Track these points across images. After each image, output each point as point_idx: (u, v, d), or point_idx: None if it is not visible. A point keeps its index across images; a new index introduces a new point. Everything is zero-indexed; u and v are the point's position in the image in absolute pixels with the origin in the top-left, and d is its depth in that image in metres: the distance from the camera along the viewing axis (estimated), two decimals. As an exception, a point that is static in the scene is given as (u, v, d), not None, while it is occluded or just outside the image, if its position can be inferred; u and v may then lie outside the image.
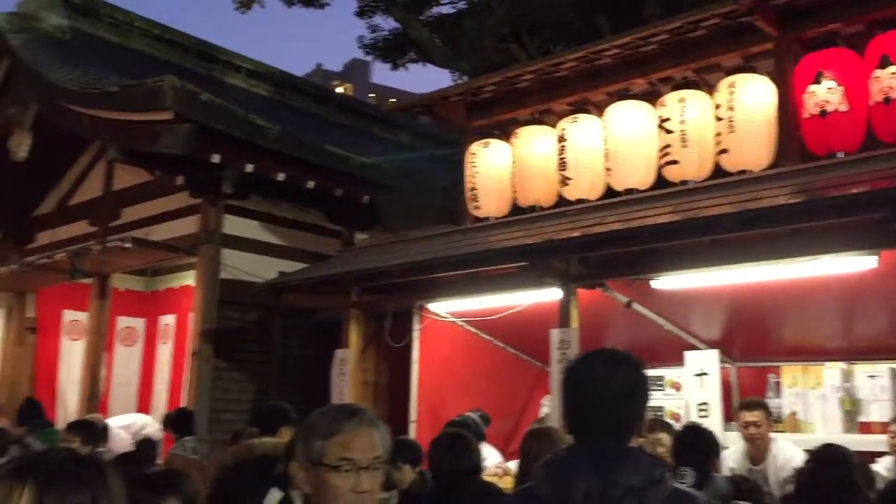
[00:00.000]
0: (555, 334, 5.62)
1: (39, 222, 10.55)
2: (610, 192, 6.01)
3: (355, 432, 1.85)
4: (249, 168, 7.75)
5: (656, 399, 6.36)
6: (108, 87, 7.68)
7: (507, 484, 6.19)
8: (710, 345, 6.34)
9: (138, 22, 10.28)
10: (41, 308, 9.78)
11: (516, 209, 6.57)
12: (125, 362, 9.66)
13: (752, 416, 5.04)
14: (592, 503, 1.79)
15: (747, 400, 5.38)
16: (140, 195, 9.17)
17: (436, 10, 11.88)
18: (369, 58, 13.46)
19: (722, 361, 6.21)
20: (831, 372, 5.96)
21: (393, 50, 12.37)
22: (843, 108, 4.90)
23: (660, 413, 6.17)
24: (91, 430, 5.63)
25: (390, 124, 12.53)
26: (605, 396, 1.91)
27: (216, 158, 7.49)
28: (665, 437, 4.72)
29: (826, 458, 3.62)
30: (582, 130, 6.12)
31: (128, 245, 7.83)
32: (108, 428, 6.70)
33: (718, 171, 5.51)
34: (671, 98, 5.68)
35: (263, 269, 8.35)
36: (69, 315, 9.57)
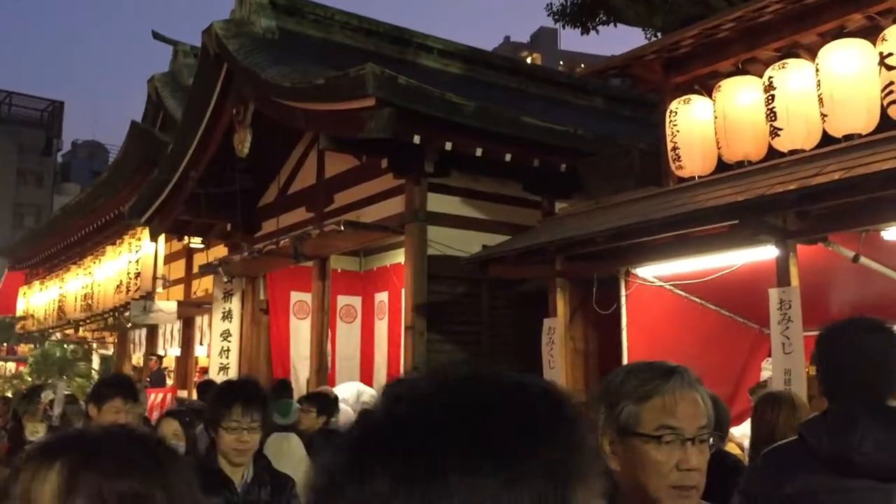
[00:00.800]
0: (774, 294, 5.35)
1: (263, 212, 11.45)
2: (827, 139, 5.60)
3: (678, 395, 1.53)
4: (448, 146, 7.95)
5: None
6: (316, 80, 8.15)
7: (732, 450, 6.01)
8: (953, 298, 5.78)
9: (338, 16, 10.81)
10: (271, 290, 10.62)
11: (722, 166, 6.29)
12: (346, 338, 10.29)
13: None
14: (881, 454, 1.95)
15: None
16: (349, 180, 9.70)
17: (627, -35, 11.50)
18: (556, 25, 13.28)
19: (969, 317, 5.64)
20: None
21: (582, 13, 12.13)
22: None
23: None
24: (326, 400, 6.08)
25: (583, 90, 12.36)
26: (860, 362, 2.06)
27: (417, 139, 7.76)
28: None
29: None
30: (792, 76, 5.74)
31: (342, 228, 8.33)
32: (338, 399, 7.21)
33: (955, 107, 4.97)
34: (892, 30, 5.18)
35: (467, 243, 8.57)
36: (296, 296, 10.33)
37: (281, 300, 10.46)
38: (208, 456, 2.93)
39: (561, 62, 45.68)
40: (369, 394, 7.93)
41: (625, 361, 6.80)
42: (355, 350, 10.35)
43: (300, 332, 10.23)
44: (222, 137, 10.22)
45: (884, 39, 5.22)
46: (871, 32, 5.40)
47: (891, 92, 5.17)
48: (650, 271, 6.81)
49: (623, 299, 6.86)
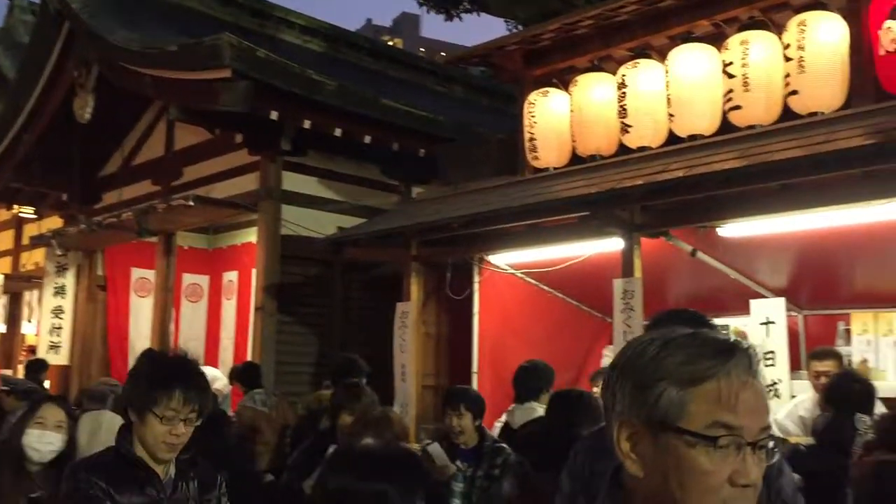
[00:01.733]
0: (618, 284, 5.58)
1: (105, 183, 10.81)
2: (673, 138, 5.89)
3: (740, 381, 1.12)
4: (307, 124, 7.79)
5: (721, 348, 6.29)
6: (168, 46, 7.76)
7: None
8: (777, 293, 6.22)
9: (193, -19, 10.31)
10: (110, 266, 10.06)
11: (576, 159, 6.48)
12: (191, 318, 9.91)
13: (823, 365, 4.95)
14: None
15: (819, 349, 5.29)
16: (201, 154, 9.31)
17: (491, -46, 11.66)
18: (419, 11, 13.29)
19: (788, 310, 6.09)
20: (904, 318, 5.82)
21: (447, 0, 12.19)
22: (922, 43, 4.69)
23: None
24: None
25: (444, 77, 12.41)
26: None
27: (274, 115, 7.54)
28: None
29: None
30: (643, 76, 5.98)
31: (191, 203, 7.98)
32: None
33: (787, 114, 5.34)
34: (733, 41, 5.50)
35: (322, 224, 8.44)
36: (137, 273, 9.83)
37: (120, 277, 9.92)
38: (122, 444, 2.47)
39: (422, 48, 45.90)
40: (223, 382, 7.64)
41: (475, 347, 6.91)
42: (200, 331, 9.99)
43: (141, 311, 9.75)
44: (62, 101, 9.56)
45: (726, 48, 5.52)
46: (716, 39, 5.71)
47: (730, 99, 5.48)
48: (503, 259, 6.95)
49: (476, 285, 6.96)
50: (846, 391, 4.09)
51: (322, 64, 9.68)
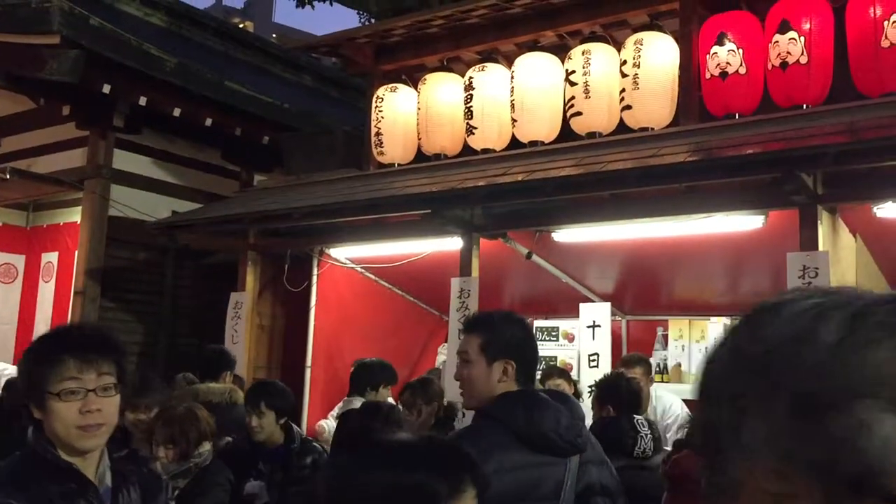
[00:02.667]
0: (455, 283, 5.65)
1: None
2: (515, 142, 6.03)
3: None
4: (143, 101, 7.38)
5: (550, 349, 6.53)
6: (-12, 5, 7.13)
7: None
8: (604, 298, 6.53)
9: (22, -63, 9.54)
10: None
11: (421, 156, 6.52)
12: (3, 300, 9.16)
13: (631, 372, 5.18)
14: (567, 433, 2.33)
15: (627, 357, 5.57)
16: (22, 124, 8.61)
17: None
18: (273, -5, 12.97)
19: (613, 314, 6.41)
20: (715, 326, 6.24)
21: (300, -14, 11.97)
22: (742, 70, 5.04)
23: (553, 362, 6.32)
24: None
25: (293, 65, 12.13)
26: None
27: (106, 89, 7.11)
28: (563, 384, 4.85)
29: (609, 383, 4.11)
30: (490, 80, 6.09)
31: (7, 176, 7.36)
32: None
33: (622, 127, 5.60)
34: (576, 51, 5.72)
35: (156, 207, 8.03)
36: (-58, 249, 8.99)
37: (-78, 253, 9.04)
38: (39, 444, 1.86)
39: (274, 35, 44.77)
40: (10, 372, 7.06)
41: (310, 340, 6.79)
42: (13, 314, 9.25)
43: (-56, 292, 8.93)
44: None
45: (569, 58, 5.72)
46: (561, 50, 5.90)
47: (572, 105, 5.68)
48: (344, 252, 6.88)
49: (314, 278, 6.85)
50: (621, 392, 4.12)
51: (164, 39, 9.21)
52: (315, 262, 6.86)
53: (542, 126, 5.85)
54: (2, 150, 8.73)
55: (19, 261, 9.34)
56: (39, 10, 6.70)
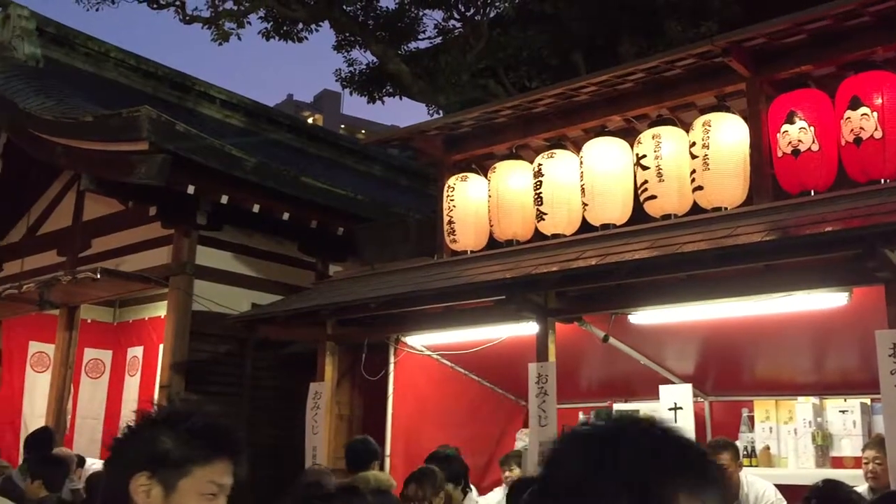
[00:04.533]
0: (532, 368, 5.63)
1: (7, 252, 10.37)
2: (586, 226, 6.07)
3: None
4: (224, 199, 7.71)
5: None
6: (83, 116, 7.62)
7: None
8: (684, 379, 6.41)
9: (113, 52, 10.24)
10: (6, 339, 9.56)
11: (493, 243, 6.60)
12: (91, 395, 9.47)
13: (718, 459, 5.03)
14: None
15: (713, 441, 5.40)
16: (111, 225, 9.07)
17: (413, 44, 12.00)
18: (340, 89, 13.53)
19: (695, 395, 6.27)
20: (803, 406, 6.03)
21: (370, 83, 12.44)
22: (815, 147, 5.02)
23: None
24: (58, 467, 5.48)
25: (363, 156, 12.56)
26: None
27: (191, 189, 7.45)
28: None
29: (831, 495, 3.63)
30: (558, 166, 6.18)
31: (98, 276, 7.71)
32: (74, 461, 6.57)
33: (694, 208, 5.60)
34: (646, 135, 5.78)
35: (236, 300, 8.28)
36: (35, 346, 9.37)
37: (17, 350, 9.43)
38: None
39: (343, 125, 46.35)
40: (97, 466, 7.23)
41: (388, 429, 6.82)
42: (100, 408, 9.54)
43: (36, 387, 9.25)
44: (-35, 166, 9.23)
45: (639, 142, 5.79)
46: (628, 133, 5.98)
47: (645, 189, 5.71)
48: (419, 340, 6.94)
49: (391, 366, 6.91)
50: None
51: (241, 139, 9.68)
52: (391, 351, 6.93)
53: (614, 209, 5.89)
54: (92, 250, 9.17)
55: (106, 356, 9.68)
56: (129, 119, 7.13)
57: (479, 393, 7.33)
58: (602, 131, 6.09)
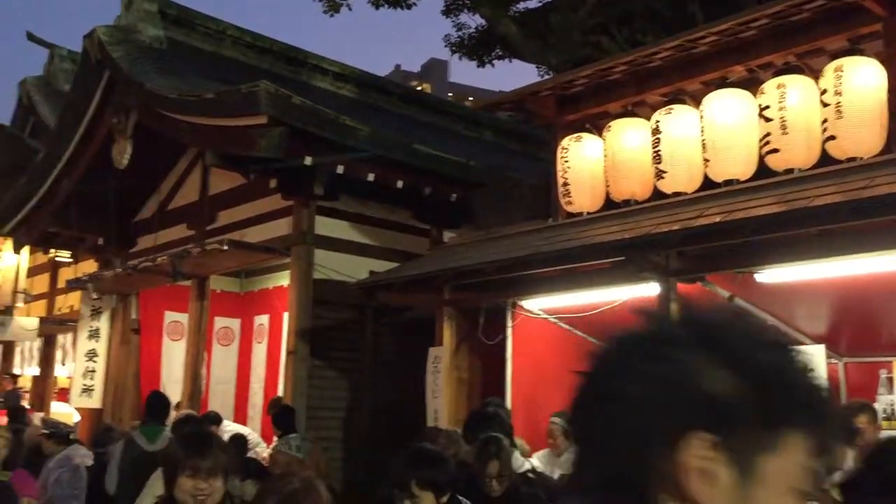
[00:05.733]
0: (654, 330, 5.50)
1: (140, 227, 10.95)
2: (708, 183, 5.86)
3: None
4: (340, 169, 7.86)
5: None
6: (205, 94, 7.90)
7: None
8: (816, 340, 6.11)
9: (230, 31, 10.54)
10: (144, 309, 10.14)
11: (610, 203, 6.47)
12: (222, 362, 9.95)
13: (856, 421, 4.80)
14: None
15: (849, 403, 5.16)
16: (234, 198, 9.42)
17: (522, 4, 11.81)
18: (447, 57, 13.57)
19: (829, 357, 5.99)
20: (948, 366, 5.68)
21: (479, 47, 12.35)
22: (962, 88, 4.65)
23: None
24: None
25: (473, 122, 12.52)
26: None
27: (308, 160, 7.62)
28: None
29: None
30: (677, 121, 5.98)
31: (225, 247, 8.04)
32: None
33: (825, 160, 5.30)
34: (770, 85, 5.50)
35: (354, 268, 8.46)
36: (170, 316, 9.90)
37: (154, 320, 10.00)
38: None
39: (450, 94, 46.40)
40: (231, 429, 7.60)
41: (508, 392, 6.84)
42: (231, 374, 10.02)
43: (173, 354, 9.80)
44: (100, 147, 9.74)
45: (762, 92, 5.52)
46: (751, 84, 5.71)
47: (767, 142, 5.46)
48: (536, 303, 6.90)
49: (509, 330, 6.92)
50: None
51: (354, 109, 9.82)
52: (509, 315, 6.93)
53: (737, 164, 5.65)
54: (218, 223, 9.57)
55: (235, 324, 10.14)
56: (248, 94, 7.34)
57: (598, 356, 7.24)
58: (723, 83, 5.84)
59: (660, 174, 6.04)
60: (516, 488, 4.23)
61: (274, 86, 7.34)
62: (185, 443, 2.97)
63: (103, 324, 10.47)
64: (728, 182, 5.68)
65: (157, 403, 6.46)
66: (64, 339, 12.68)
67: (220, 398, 9.62)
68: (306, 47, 11.33)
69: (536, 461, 6.03)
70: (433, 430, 5.94)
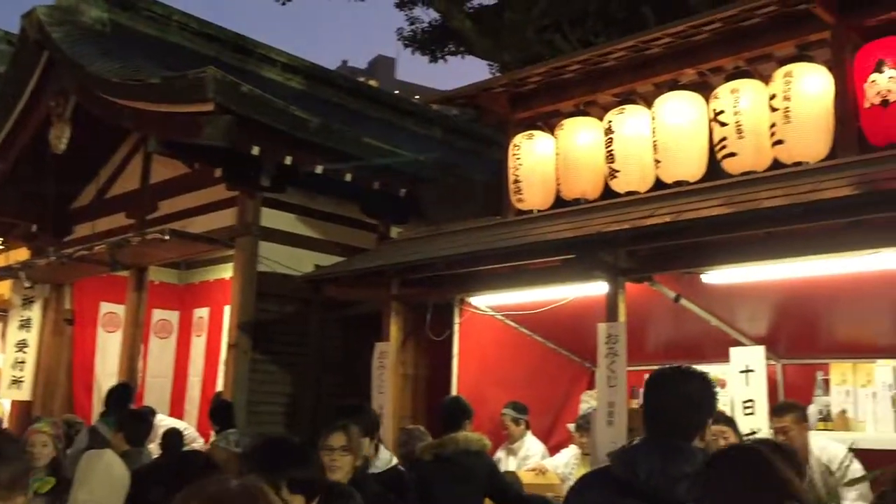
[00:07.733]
0: (602, 329, 5.53)
1: (77, 215, 10.61)
2: (661, 184, 5.91)
3: None
4: (288, 160, 7.71)
5: (701, 396, 6.26)
6: (150, 78, 7.67)
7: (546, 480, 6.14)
8: (756, 341, 6.24)
9: (176, 16, 10.27)
10: (78, 300, 9.83)
11: (561, 202, 6.49)
12: (159, 355, 9.70)
13: (780, 422, 4.87)
14: (653, 480, 2.24)
15: (777, 404, 5.26)
16: (177, 188, 9.19)
17: (477, 1, 11.82)
18: (394, 54, 13.50)
19: (767, 358, 6.11)
20: (883, 370, 5.84)
21: (432, 42, 12.30)
22: (906, 97, 4.78)
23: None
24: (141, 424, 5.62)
25: (423, 119, 12.45)
26: (677, 404, 2.42)
27: (255, 150, 7.46)
28: (729, 431, 4.59)
29: None
30: (629, 122, 6.02)
31: (167, 237, 7.81)
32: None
33: (773, 163, 5.40)
34: (724, 90, 5.58)
35: (300, 262, 8.33)
36: (106, 307, 9.62)
37: (89, 311, 9.69)
38: None
39: (397, 91, 46.21)
40: (167, 423, 7.37)
41: (454, 388, 6.81)
42: (168, 367, 9.77)
43: (108, 347, 9.51)
44: (36, 131, 9.41)
45: (716, 97, 5.59)
46: (702, 87, 5.78)
47: (724, 146, 5.52)
48: (484, 300, 6.89)
49: (456, 327, 6.89)
50: None
51: (302, 101, 9.66)
52: (456, 311, 6.90)
53: (688, 166, 5.72)
54: (159, 212, 9.32)
55: (174, 317, 9.89)
56: (195, 81, 7.15)
57: (545, 354, 7.27)
58: (675, 85, 5.90)
59: (613, 173, 6.08)
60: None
61: (221, 72, 7.17)
62: None
63: (35, 313, 10.09)
64: (678, 183, 5.74)
65: (121, 394, 6.34)
66: (-8, 329, 12.20)
67: (156, 392, 9.37)
68: (252, 37, 11.12)
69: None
70: (410, 430, 5.88)
